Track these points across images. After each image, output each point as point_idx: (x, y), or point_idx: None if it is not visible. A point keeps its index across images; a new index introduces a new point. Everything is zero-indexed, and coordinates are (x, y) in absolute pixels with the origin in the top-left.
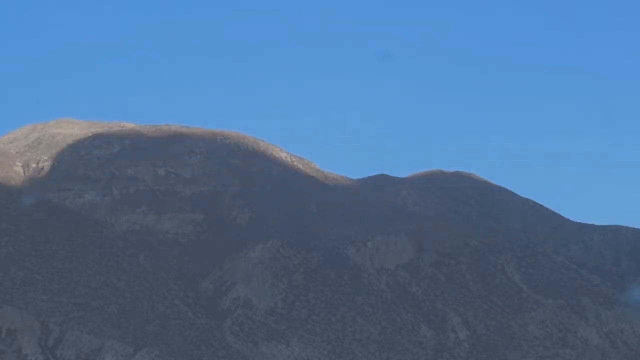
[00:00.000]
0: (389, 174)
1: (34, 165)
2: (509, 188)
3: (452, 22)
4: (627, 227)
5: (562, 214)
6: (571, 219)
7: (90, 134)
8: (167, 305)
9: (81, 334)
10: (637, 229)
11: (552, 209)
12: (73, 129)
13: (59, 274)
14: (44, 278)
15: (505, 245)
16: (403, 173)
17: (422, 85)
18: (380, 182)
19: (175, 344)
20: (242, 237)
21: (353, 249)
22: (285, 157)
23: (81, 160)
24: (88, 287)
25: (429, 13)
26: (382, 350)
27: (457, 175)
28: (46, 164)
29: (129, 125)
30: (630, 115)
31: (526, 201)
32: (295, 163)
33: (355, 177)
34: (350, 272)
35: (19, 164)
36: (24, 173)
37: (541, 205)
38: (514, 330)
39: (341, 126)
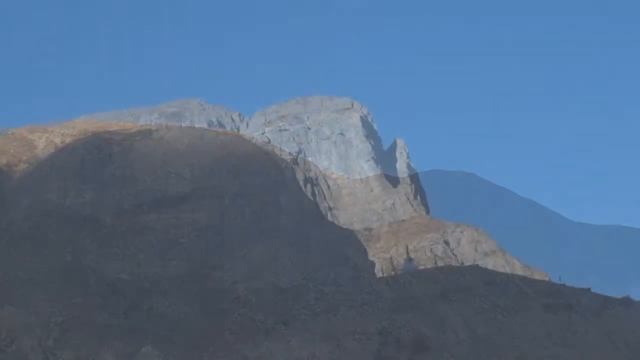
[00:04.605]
0: (389, 173)
1: (34, 165)
2: (509, 188)
3: (452, 20)
4: (627, 227)
5: (562, 214)
6: (571, 219)
7: (91, 134)
8: (167, 305)
9: (81, 334)
10: (637, 229)
11: (552, 209)
12: (73, 129)
13: (59, 273)
14: (44, 278)
15: (505, 245)
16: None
17: (422, 85)
18: (380, 182)
19: (175, 344)
20: (242, 237)
21: (353, 249)
22: (286, 157)
23: (81, 160)
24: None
25: (429, 11)
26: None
27: (457, 175)
28: (46, 164)
29: (129, 125)
30: (630, 114)
31: (526, 201)
32: (295, 163)
33: (355, 177)
34: (350, 272)
35: (19, 164)
36: (24, 173)
37: (541, 206)
38: (514, 330)
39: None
